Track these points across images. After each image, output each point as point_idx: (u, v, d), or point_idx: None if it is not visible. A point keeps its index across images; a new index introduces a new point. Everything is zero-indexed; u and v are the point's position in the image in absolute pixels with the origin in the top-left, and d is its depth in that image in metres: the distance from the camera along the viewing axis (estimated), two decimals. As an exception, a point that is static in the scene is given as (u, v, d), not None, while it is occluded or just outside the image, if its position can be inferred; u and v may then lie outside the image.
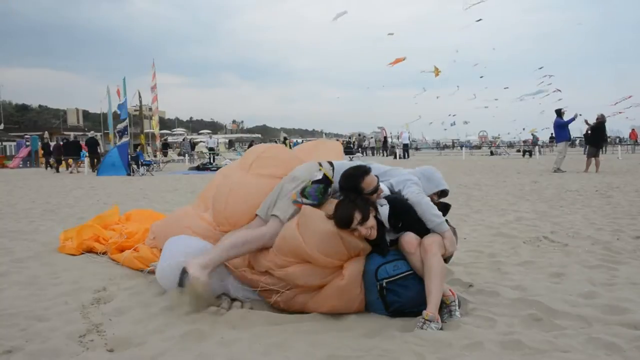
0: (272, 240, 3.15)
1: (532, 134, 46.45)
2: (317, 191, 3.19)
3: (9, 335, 2.78)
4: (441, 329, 2.80)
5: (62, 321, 2.97)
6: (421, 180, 3.44)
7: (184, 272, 3.02)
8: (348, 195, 3.11)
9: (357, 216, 2.94)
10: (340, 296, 3.01)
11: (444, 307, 2.96)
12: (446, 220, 3.26)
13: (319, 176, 3.24)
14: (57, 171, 24.64)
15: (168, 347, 2.62)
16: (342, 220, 2.96)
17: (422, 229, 3.15)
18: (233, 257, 3.15)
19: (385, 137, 46.42)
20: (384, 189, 3.26)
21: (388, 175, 3.49)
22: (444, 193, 3.61)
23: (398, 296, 2.99)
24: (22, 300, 3.47)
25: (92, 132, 28.71)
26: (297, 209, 3.19)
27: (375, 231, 3.02)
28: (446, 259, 3.19)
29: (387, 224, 3.13)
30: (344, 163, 3.48)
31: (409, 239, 3.09)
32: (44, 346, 2.59)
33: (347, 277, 3.00)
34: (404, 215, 3.16)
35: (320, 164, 3.35)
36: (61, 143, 27.13)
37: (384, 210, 3.15)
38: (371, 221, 2.99)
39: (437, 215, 3.16)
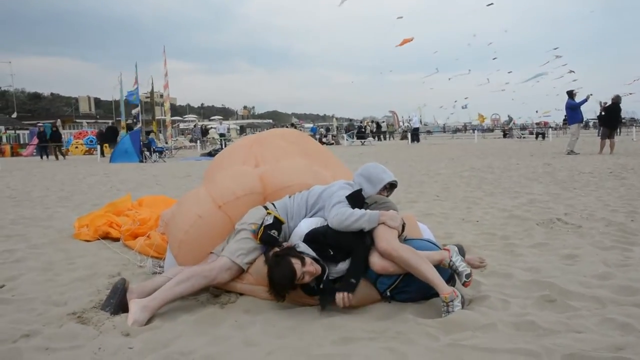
0: (220, 276, 3.03)
1: (509, 116, 46.49)
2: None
3: (26, 319, 2.83)
4: (463, 297, 2.77)
5: (78, 306, 3.01)
6: (363, 185, 3.38)
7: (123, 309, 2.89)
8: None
9: (296, 262, 2.74)
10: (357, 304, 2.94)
11: (443, 306, 2.75)
12: (366, 203, 3.18)
13: (270, 221, 3.11)
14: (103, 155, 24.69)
15: (183, 330, 2.65)
16: (286, 278, 2.72)
17: (349, 237, 2.98)
18: (179, 294, 2.95)
19: (378, 123, 46.10)
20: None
21: (320, 204, 3.26)
22: (392, 186, 3.50)
23: (407, 293, 2.95)
24: (39, 285, 3.52)
25: (128, 119, 29.41)
26: (247, 248, 3.09)
27: (317, 265, 2.83)
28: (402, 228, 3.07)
29: (321, 260, 2.92)
30: (284, 202, 3.34)
31: (373, 263, 2.90)
32: (61, 330, 2.63)
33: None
34: (328, 241, 2.98)
35: (266, 207, 3.26)
36: (103, 130, 27.64)
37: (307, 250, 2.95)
38: (307, 259, 2.80)
39: (360, 218, 2.96)
